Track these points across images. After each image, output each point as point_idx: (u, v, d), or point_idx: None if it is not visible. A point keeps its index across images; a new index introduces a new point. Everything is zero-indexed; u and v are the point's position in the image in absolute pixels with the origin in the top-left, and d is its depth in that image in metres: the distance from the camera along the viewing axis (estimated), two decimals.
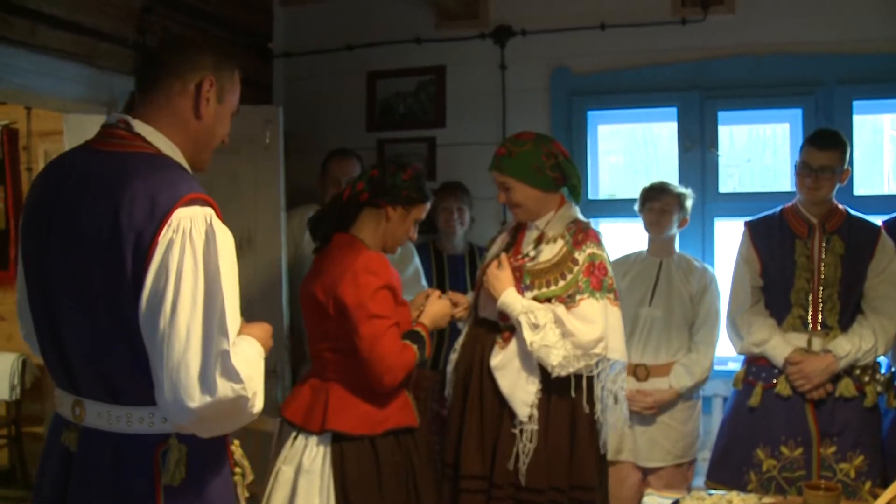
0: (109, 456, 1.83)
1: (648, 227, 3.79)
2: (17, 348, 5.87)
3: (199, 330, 1.72)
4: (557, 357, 2.79)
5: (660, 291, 3.76)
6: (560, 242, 2.95)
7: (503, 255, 3.03)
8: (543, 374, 2.86)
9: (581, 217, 3.04)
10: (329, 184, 4.24)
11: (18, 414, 5.79)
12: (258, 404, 1.82)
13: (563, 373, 2.81)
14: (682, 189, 3.78)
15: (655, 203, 3.74)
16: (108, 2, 3.66)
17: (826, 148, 3.29)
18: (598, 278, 2.88)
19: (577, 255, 2.91)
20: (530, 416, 2.87)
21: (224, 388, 1.71)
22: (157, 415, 1.82)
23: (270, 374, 4.04)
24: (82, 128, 3.82)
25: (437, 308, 2.98)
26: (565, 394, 2.87)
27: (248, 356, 1.82)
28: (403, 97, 4.79)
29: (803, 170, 3.32)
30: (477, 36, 4.62)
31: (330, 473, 2.75)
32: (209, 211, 1.80)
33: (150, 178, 1.80)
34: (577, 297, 2.85)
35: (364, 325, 2.68)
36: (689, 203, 3.78)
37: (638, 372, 3.73)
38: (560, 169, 2.98)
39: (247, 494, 2.11)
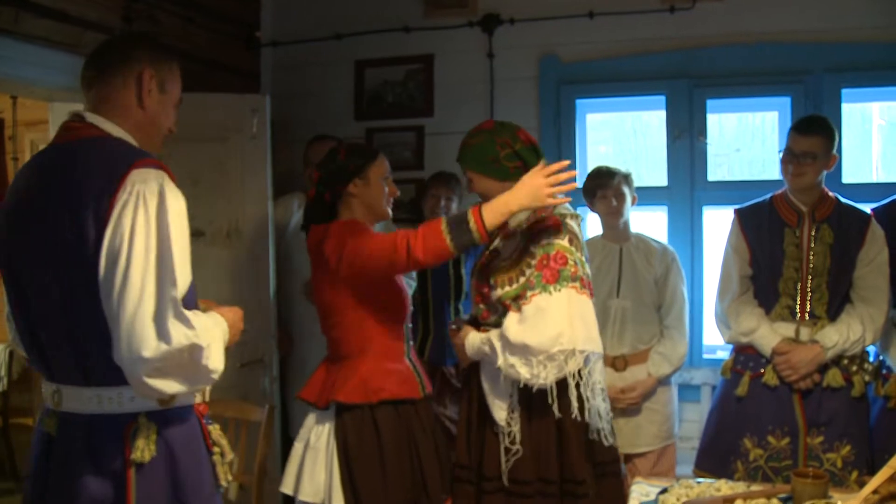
0: (83, 436, 1.95)
1: (608, 216, 3.75)
2: (3, 339, 5.85)
3: (152, 282, 1.83)
4: (525, 372, 2.67)
5: (625, 281, 3.75)
6: (518, 237, 2.87)
7: (457, 319, 3.05)
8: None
9: None
10: (307, 167, 4.24)
11: (6, 405, 5.78)
12: (214, 361, 1.94)
13: (540, 382, 2.68)
14: (621, 169, 3.74)
15: (608, 190, 3.69)
16: None
17: (809, 133, 3.29)
18: (554, 270, 2.72)
19: (533, 248, 2.79)
20: (510, 420, 2.82)
21: (178, 334, 1.82)
22: (126, 394, 1.94)
23: (258, 363, 4.03)
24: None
25: (530, 183, 2.74)
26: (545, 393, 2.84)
27: (202, 317, 1.98)
28: (392, 86, 4.78)
29: (787, 155, 3.32)
30: (465, 24, 4.61)
31: (334, 447, 2.86)
32: (162, 174, 1.94)
33: (105, 151, 1.97)
34: (529, 293, 2.72)
35: (377, 241, 2.80)
36: (631, 182, 3.74)
37: (616, 363, 3.73)
38: (519, 157, 2.88)
39: (230, 477, 2.18)
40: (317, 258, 2.97)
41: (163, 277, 1.84)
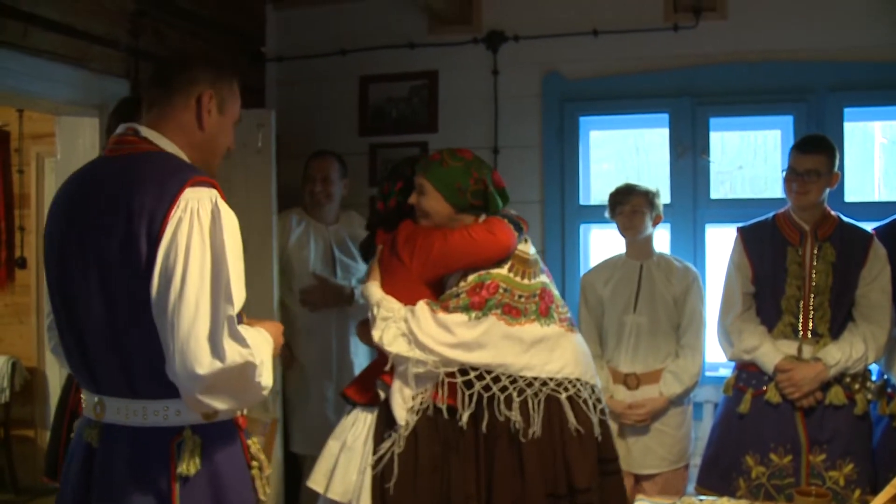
0: (127, 448, 1.95)
1: (623, 231, 3.77)
2: (6, 350, 5.86)
3: (206, 300, 1.83)
4: (399, 348, 2.81)
5: (643, 297, 3.75)
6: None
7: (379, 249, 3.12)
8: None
9: None
10: (307, 182, 4.26)
11: (7, 417, 5.78)
12: (266, 378, 1.95)
13: (418, 370, 2.81)
14: (649, 187, 3.75)
15: (625, 206, 3.71)
16: (100, 5, 3.65)
17: (811, 152, 3.30)
18: (483, 298, 2.88)
19: (469, 274, 2.93)
20: (407, 423, 2.86)
21: (232, 352, 1.83)
22: (172, 408, 1.94)
23: None
24: (74, 130, 3.82)
25: None
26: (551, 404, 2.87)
27: (253, 333, 1.98)
28: (396, 102, 4.79)
29: (790, 174, 3.34)
30: (469, 41, 4.63)
31: (370, 449, 2.88)
32: (214, 192, 1.95)
33: (159, 167, 1.97)
34: (451, 306, 2.87)
35: (440, 237, 2.91)
36: (658, 200, 3.76)
37: (629, 381, 3.73)
38: (484, 197, 3.00)
39: (267, 491, 2.18)
40: (387, 260, 3.01)
41: (217, 296, 1.85)
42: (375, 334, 2.85)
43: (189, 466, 1.92)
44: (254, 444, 2.15)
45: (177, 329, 1.81)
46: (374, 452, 2.87)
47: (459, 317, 2.85)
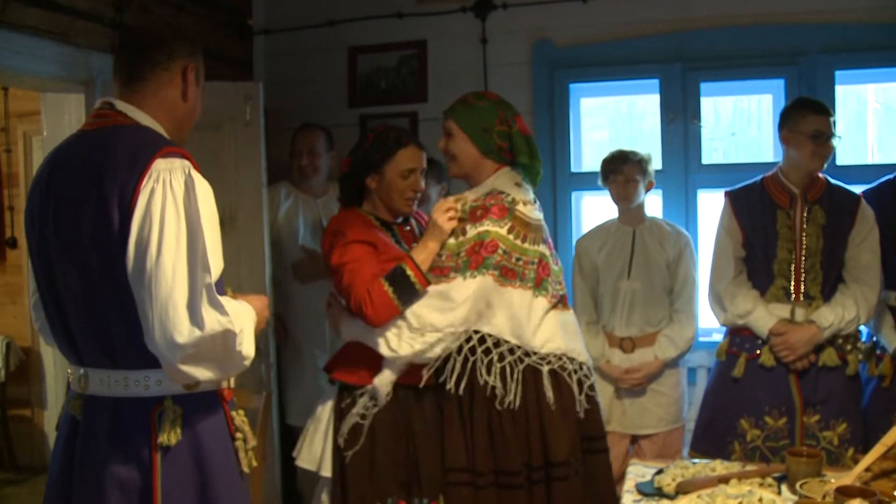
0: (108, 418, 1.97)
1: (617, 200, 3.77)
2: (0, 331, 5.84)
3: (184, 269, 1.85)
4: (411, 348, 2.78)
5: (637, 263, 3.76)
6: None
7: (332, 293, 3.14)
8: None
9: (504, 189, 2.92)
10: (294, 156, 4.25)
11: (4, 397, 5.78)
12: (247, 347, 1.97)
13: (402, 355, 2.79)
14: (641, 154, 3.74)
15: (619, 176, 3.70)
16: None
17: (828, 113, 3.30)
18: (481, 256, 2.80)
19: (468, 227, 2.86)
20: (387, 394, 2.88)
21: (211, 320, 1.84)
22: (153, 378, 1.96)
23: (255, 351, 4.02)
24: (60, 107, 3.79)
25: (435, 222, 2.90)
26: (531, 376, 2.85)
27: (234, 303, 1.99)
28: (385, 72, 4.77)
29: (819, 138, 3.28)
30: (458, 10, 4.60)
31: (332, 421, 2.92)
32: (187, 163, 1.96)
33: (130, 139, 1.98)
34: (452, 273, 2.81)
35: (341, 276, 2.85)
36: (651, 166, 3.75)
37: (624, 344, 3.75)
38: (509, 139, 2.93)
39: (254, 463, 2.19)
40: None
41: (194, 264, 1.86)
42: (383, 351, 2.80)
43: (170, 436, 1.94)
44: (238, 415, 2.16)
45: (154, 299, 1.83)
46: (334, 426, 2.91)
47: (458, 283, 2.79)
